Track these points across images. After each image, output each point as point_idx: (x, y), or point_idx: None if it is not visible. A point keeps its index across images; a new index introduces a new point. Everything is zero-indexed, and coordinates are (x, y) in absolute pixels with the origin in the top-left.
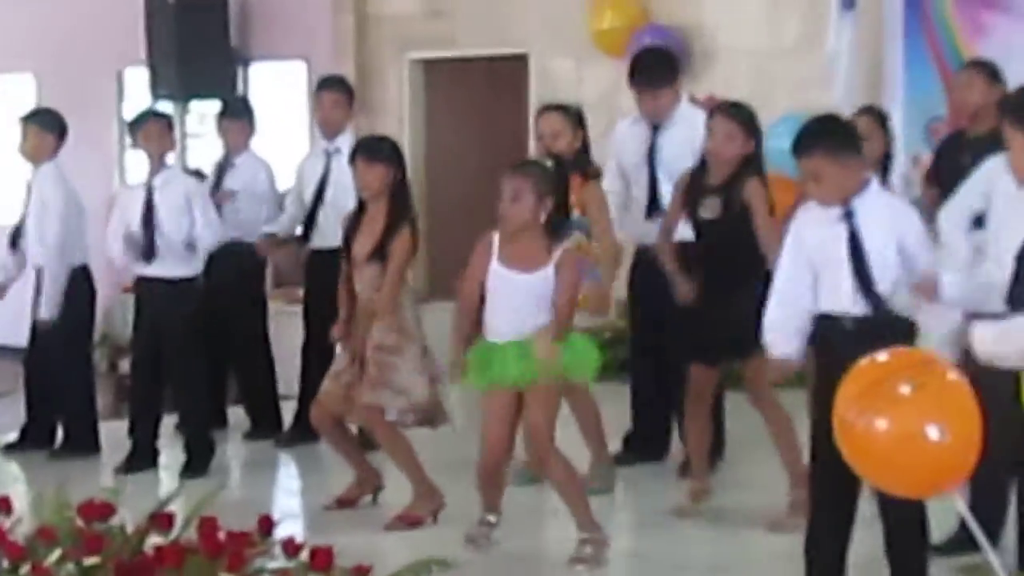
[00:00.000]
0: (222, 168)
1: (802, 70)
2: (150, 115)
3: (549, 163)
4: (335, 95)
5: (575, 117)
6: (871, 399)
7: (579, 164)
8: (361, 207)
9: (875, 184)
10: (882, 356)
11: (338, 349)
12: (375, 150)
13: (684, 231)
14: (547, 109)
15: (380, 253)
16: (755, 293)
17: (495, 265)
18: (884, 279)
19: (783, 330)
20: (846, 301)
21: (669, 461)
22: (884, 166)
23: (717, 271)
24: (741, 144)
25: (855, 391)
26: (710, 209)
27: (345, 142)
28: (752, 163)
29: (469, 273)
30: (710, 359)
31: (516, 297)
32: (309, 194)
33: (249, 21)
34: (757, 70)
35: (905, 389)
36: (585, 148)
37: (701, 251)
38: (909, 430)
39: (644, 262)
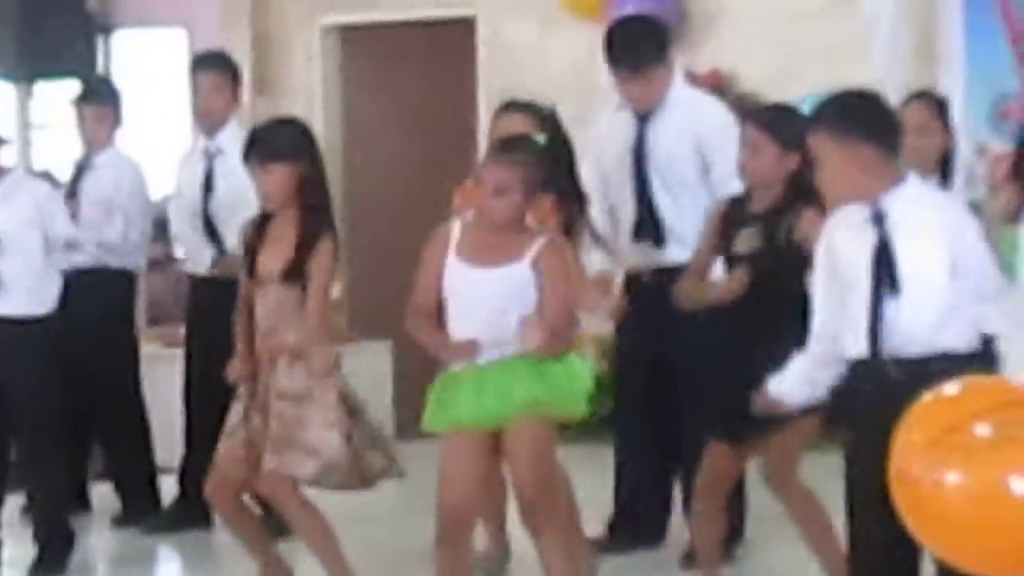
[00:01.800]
0: (80, 169)
1: (834, 37)
2: None
3: (542, 138)
4: (214, 77)
5: (548, 121)
6: (940, 449)
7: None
8: (264, 212)
9: (913, 178)
10: (951, 389)
11: (235, 399)
12: (274, 148)
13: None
14: (509, 108)
15: (294, 272)
16: (801, 341)
17: (452, 260)
18: (927, 306)
19: (806, 375)
20: (863, 339)
21: (668, 545)
22: (944, 167)
23: (750, 320)
24: (774, 160)
25: (920, 439)
26: (746, 241)
27: (229, 138)
28: (804, 186)
29: (421, 273)
30: (736, 435)
31: (480, 304)
32: (187, 206)
33: None
34: (777, 37)
35: (984, 432)
36: (566, 151)
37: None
38: (989, 485)
39: (636, 292)
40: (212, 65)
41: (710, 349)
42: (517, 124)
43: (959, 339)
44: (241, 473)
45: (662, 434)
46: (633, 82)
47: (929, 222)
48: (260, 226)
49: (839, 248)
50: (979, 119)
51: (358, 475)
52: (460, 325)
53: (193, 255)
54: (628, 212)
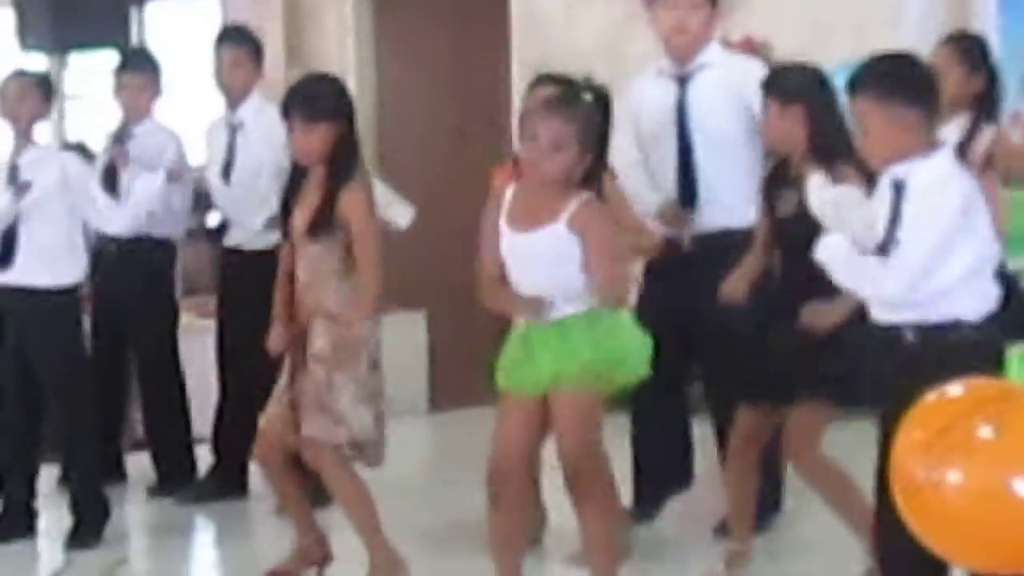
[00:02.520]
0: (119, 140)
1: (866, 7)
2: (13, 74)
3: (589, 96)
4: (233, 51)
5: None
6: (941, 449)
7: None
8: (299, 169)
9: (945, 152)
10: (952, 390)
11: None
12: (319, 105)
13: None
14: (543, 80)
15: (320, 225)
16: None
17: (503, 226)
18: (932, 276)
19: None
20: (882, 304)
21: (701, 514)
22: (978, 109)
23: (794, 285)
24: (795, 122)
25: (920, 439)
26: (786, 204)
27: (251, 111)
28: (835, 144)
29: (482, 242)
30: (769, 400)
31: (529, 268)
32: (214, 176)
33: None
34: (808, 7)
35: (985, 432)
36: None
37: (780, 259)
38: (990, 486)
39: (673, 259)
40: (232, 39)
41: (743, 314)
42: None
43: (967, 310)
44: (288, 436)
45: (679, 391)
46: (671, 10)
47: (942, 196)
48: (294, 186)
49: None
50: (1013, 88)
51: (376, 455)
52: (519, 290)
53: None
54: (668, 177)
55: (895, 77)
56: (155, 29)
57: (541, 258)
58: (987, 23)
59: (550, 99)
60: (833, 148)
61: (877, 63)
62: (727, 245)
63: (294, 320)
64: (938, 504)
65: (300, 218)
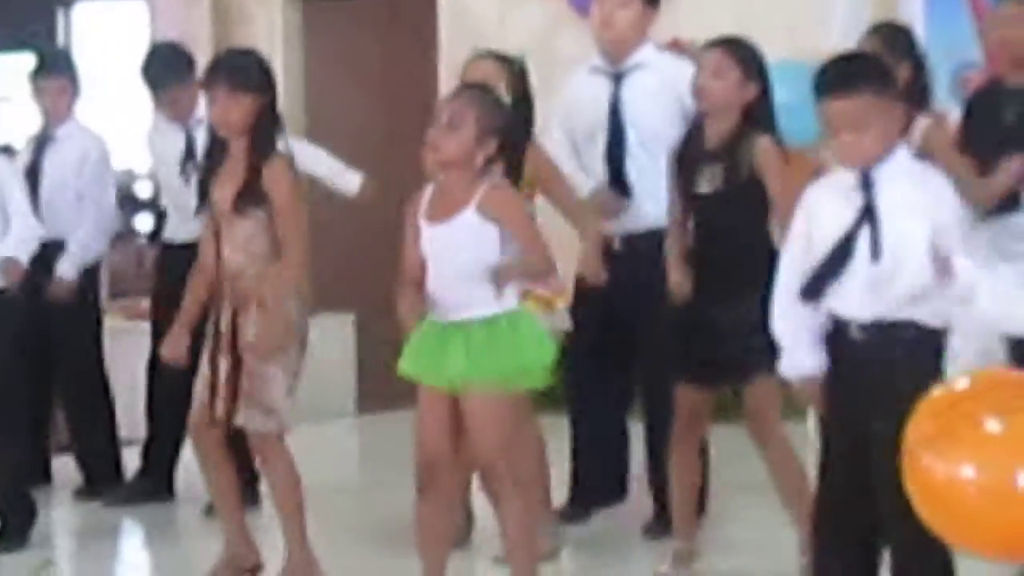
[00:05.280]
0: (40, 143)
1: (795, 6)
2: None
3: (507, 99)
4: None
5: (515, 69)
6: (948, 439)
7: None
8: (217, 141)
9: (904, 148)
10: (962, 381)
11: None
12: (244, 76)
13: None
14: (479, 56)
15: (247, 198)
16: (768, 290)
17: (421, 223)
18: (904, 276)
19: (797, 341)
20: (853, 300)
21: (629, 514)
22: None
23: (717, 262)
24: (736, 84)
25: (930, 428)
26: (707, 181)
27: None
28: (760, 117)
29: (406, 234)
30: (704, 379)
31: (446, 261)
32: (171, 177)
33: None
34: (736, 6)
35: (994, 425)
36: (526, 105)
37: (697, 237)
38: (998, 478)
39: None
40: (170, 74)
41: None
42: (486, 69)
43: (931, 315)
44: (214, 423)
45: (617, 392)
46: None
47: (913, 195)
48: (212, 162)
49: (824, 219)
50: (941, 88)
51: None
52: (435, 285)
53: (175, 224)
54: (599, 173)
55: (887, 71)
56: (82, 31)
57: (455, 248)
58: (914, 21)
59: (459, 86)
60: (766, 120)
61: (862, 59)
62: (657, 244)
63: (213, 302)
64: (948, 493)
65: (224, 193)
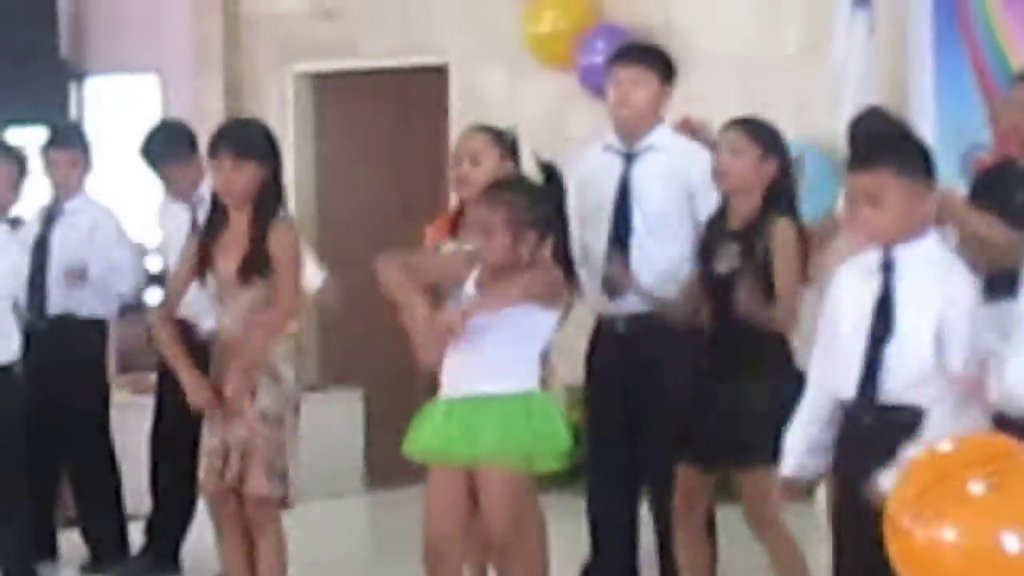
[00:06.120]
0: (49, 216)
1: (804, 85)
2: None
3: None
4: (175, 163)
5: (505, 142)
6: (932, 502)
7: None
8: (219, 210)
9: (934, 234)
10: (946, 446)
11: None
12: (247, 145)
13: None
14: (471, 129)
15: (251, 267)
16: (777, 378)
17: (469, 284)
18: (903, 366)
19: (802, 448)
20: (851, 385)
21: None
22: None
23: (727, 342)
24: (755, 162)
25: (913, 491)
26: (725, 261)
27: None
28: (780, 197)
29: (430, 255)
30: (702, 458)
31: (470, 336)
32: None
33: (84, 24)
34: (746, 85)
35: (977, 488)
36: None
37: (712, 316)
38: (980, 541)
39: (609, 335)
40: (167, 152)
41: (684, 373)
42: (476, 140)
43: (930, 400)
44: (222, 483)
45: (634, 479)
46: (628, 80)
47: (929, 282)
48: (212, 231)
49: (844, 295)
50: (951, 169)
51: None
52: (447, 357)
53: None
54: (601, 251)
55: (915, 150)
56: (94, 105)
57: (493, 329)
58: (924, 102)
59: (484, 188)
60: (788, 198)
61: (888, 135)
62: (660, 327)
63: (209, 371)
64: (930, 557)
65: (227, 264)
